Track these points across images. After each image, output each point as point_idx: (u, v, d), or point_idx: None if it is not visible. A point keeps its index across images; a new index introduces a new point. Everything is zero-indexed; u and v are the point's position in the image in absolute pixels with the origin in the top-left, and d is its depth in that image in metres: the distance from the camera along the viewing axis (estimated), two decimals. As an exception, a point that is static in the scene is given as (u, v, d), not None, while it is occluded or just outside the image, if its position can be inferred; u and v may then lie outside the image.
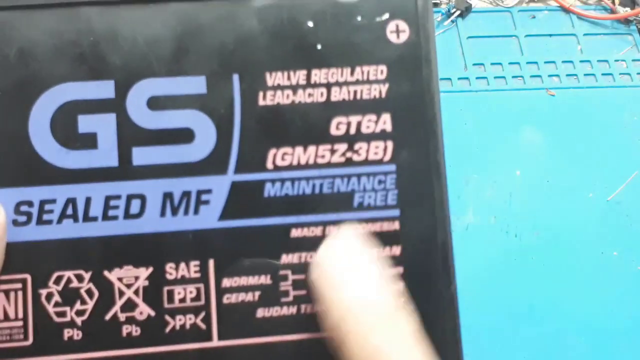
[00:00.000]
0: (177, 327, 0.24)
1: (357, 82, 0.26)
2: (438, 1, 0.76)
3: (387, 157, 0.25)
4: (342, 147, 0.25)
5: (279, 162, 0.25)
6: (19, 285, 0.24)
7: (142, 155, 0.25)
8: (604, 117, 0.73)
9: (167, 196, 0.25)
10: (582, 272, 0.67)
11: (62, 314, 0.24)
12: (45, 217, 0.24)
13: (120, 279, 0.24)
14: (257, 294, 0.25)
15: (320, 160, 0.25)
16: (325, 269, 0.24)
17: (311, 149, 0.25)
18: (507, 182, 0.70)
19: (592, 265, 0.67)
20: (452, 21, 0.76)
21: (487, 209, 0.69)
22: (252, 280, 0.25)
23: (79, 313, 0.24)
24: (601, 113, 0.73)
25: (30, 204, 0.24)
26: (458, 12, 0.75)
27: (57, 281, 0.24)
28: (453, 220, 0.68)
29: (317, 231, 0.25)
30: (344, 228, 0.25)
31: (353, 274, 0.23)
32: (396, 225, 0.25)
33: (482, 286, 0.65)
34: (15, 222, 0.24)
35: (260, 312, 0.25)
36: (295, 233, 0.25)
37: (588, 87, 0.74)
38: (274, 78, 0.25)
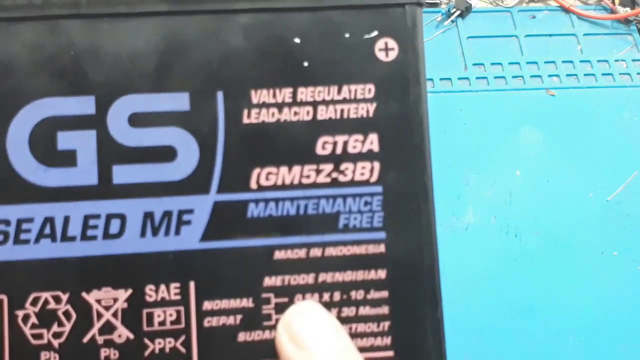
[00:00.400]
0: (157, 351, 0.24)
1: (344, 101, 0.25)
2: (438, 1, 0.76)
3: (374, 178, 0.25)
4: (327, 167, 0.25)
5: (263, 182, 0.25)
6: None
7: (122, 174, 0.24)
8: (604, 117, 0.73)
9: (148, 216, 0.24)
10: (582, 272, 0.67)
11: (39, 336, 0.24)
12: (23, 236, 0.24)
13: (98, 301, 0.24)
14: (238, 317, 0.24)
15: (305, 181, 0.25)
16: (295, 330, 0.23)
17: (296, 168, 0.25)
18: (507, 182, 0.70)
19: (592, 265, 0.67)
20: (452, 21, 0.75)
21: (487, 209, 0.69)
22: (234, 303, 0.24)
23: (56, 335, 0.24)
24: (601, 113, 0.74)
25: (7, 222, 0.24)
26: (458, 12, 0.75)
27: (34, 302, 0.24)
28: (453, 220, 0.68)
29: (301, 253, 0.24)
30: (308, 300, 0.25)
31: (323, 337, 0.23)
32: (382, 248, 0.25)
33: (482, 286, 0.65)
34: None
35: (242, 336, 0.24)
36: (278, 255, 0.24)
37: (588, 87, 0.74)
38: (259, 96, 0.25)
